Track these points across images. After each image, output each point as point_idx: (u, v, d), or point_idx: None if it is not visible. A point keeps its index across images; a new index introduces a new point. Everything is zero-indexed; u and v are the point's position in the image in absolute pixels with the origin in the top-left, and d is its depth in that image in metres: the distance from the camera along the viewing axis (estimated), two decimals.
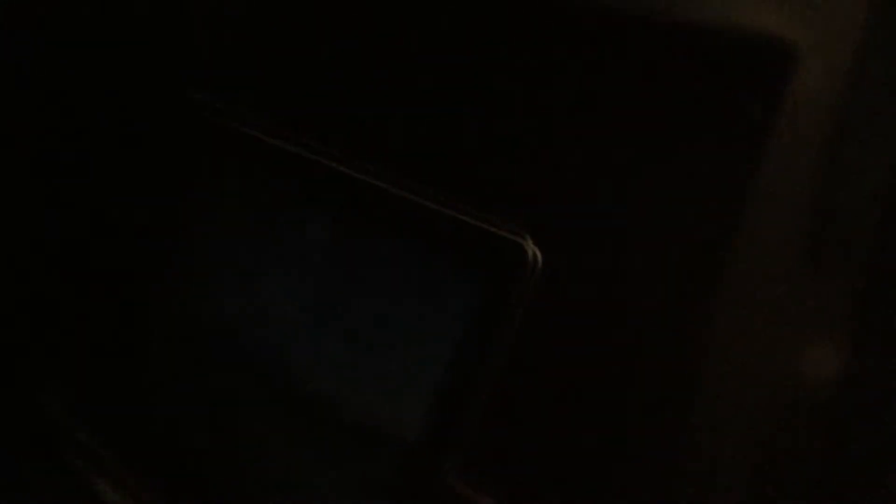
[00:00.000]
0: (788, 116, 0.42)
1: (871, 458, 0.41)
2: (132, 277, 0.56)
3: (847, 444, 0.42)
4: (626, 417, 0.45)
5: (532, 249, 0.40)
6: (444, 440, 0.41)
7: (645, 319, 0.45)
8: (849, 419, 0.42)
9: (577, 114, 0.47)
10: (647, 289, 0.45)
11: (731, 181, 0.43)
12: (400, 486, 0.42)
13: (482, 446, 0.42)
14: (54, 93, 0.60)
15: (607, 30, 0.46)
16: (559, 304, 0.44)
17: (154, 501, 0.51)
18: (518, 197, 0.48)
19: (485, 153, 0.50)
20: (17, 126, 0.60)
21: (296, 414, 0.47)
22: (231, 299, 0.51)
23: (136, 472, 0.52)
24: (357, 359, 0.45)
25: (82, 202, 0.61)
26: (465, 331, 0.41)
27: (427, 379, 0.42)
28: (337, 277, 0.46)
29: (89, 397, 0.57)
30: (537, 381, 0.47)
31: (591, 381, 0.46)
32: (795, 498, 0.43)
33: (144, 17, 0.60)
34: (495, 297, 0.40)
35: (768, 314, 0.43)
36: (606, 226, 0.46)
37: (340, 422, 0.45)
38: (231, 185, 0.52)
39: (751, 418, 0.44)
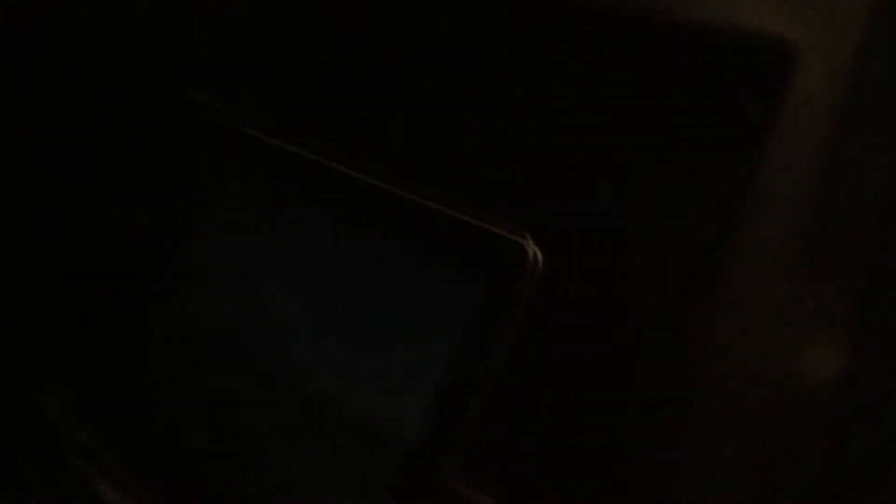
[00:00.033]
0: (788, 116, 0.42)
1: (871, 458, 0.41)
2: (132, 277, 0.56)
3: (847, 444, 0.42)
4: (626, 417, 0.45)
5: (533, 249, 0.40)
6: (444, 440, 0.41)
7: (645, 319, 0.45)
8: (849, 419, 0.42)
9: (577, 114, 0.47)
10: (647, 289, 0.45)
11: (731, 181, 0.43)
12: (400, 486, 0.42)
13: (482, 446, 0.42)
14: (54, 93, 0.60)
15: (607, 30, 0.46)
16: (559, 304, 0.44)
17: (154, 501, 0.51)
18: (518, 197, 0.48)
19: (485, 153, 0.50)
20: (17, 126, 0.60)
21: (296, 414, 0.47)
22: (231, 299, 0.51)
23: (136, 472, 0.52)
24: (357, 359, 0.45)
25: (82, 202, 0.61)
26: (465, 331, 0.41)
27: (427, 379, 0.42)
28: (337, 277, 0.46)
29: (89, 397, 0.57)
30: (537, 381, 0.47)
31: (591, 381, 0.46)
32: (795, 498, 0.43)
33: (144, 17, 0.60)
34: (495, 297, 0.40)
35: (768, 314, 0.43)
36: (606, 226, 0.46)
37: (340, 422, 0.45)
38: (231, 185, 0.52)
39: (751, 418, 0.44)
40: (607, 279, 0.46)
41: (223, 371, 0.50)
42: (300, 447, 0.46)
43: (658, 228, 0.45)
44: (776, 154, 0.42)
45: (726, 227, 0.43)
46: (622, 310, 0.46)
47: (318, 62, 0.57)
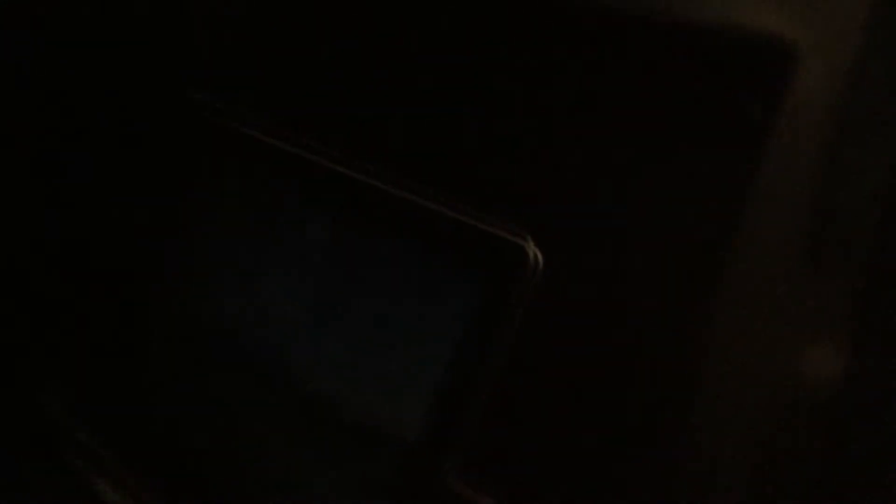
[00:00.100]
0: (788, 116, 0.42)
1: (871, 458, 0.41)
2: (132, 277, 0.56)
3: (847, 444, 0.42)
4: (626, 417, 0.45)
5: (533, 251, 0.40)
6: (444, 440, 0.41)
7: (645, 319, 0.45)
8: (849, 419, 0.42)
9: (577, 114, 0.47)
10: (647, 289, 0.45)
11: (731, 181, 0.43)
12: (400, 486, 0.42)
13: (482, 446, 0.42)
14: (54, 93, 0.60)
15: (607, 30, 0.46)
16: (559, 304, 0.44)
17: (154, 501, 0.51)
18: (518, 197, 0.48)
19: (485, 153, 0.50)
20: (17, 126, 0.60)
21: (296, 414, 0.47)
22: (231, 299, 0.51)
23: (136, 472, 0.52)
24: (357, 359, 0.45)
25: (82, 202, 0.61)
26: (465, 331, 0.41)
27: (427, 379, 0.42)
28: (337, 277, 0.46)
29: (89, 397, 0.57)
30: (537, 381, 0.47)
31: (591, 381, 0.46)
32: (795, 498, 0.43)
33: (144, 17, 0.60)
34: (495, 298, 0.40)
35: (768, 314, 0.43)
36: (606, 226, 0.46)
37: (340, 422, 0.45)
38: (231, 185, 0.52)
39: (751, 418, 0.44)
40: (607, 279, 0.46)
41: (223, 371, 0.50)
42: (300, 447, 0.46)
43: (658, 228, 0.45)
44: (776, 154, 0.42)
45: (726, 227, 0.43)
46: (622, 310, 0.46)
47: (318, 62, 0.57)
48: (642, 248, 0.45)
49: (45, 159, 0.61)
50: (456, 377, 0.41)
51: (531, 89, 0.49)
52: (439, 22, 0.52)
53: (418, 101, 0.53)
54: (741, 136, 0.43)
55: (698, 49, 0.44)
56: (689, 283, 0.44)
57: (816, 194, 0.42)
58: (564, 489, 0.47)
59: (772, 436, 0.43)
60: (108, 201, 0.60)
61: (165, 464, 0.52)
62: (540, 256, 0.40)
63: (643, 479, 0.45)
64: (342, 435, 0.45)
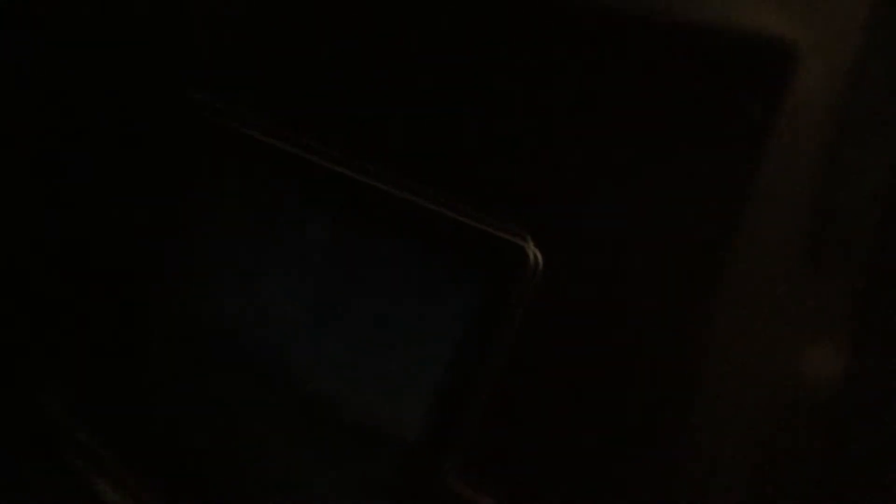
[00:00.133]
0: (788, 116, 0.42)
1: (871, 458, 0.41)
2: (132, 277, 0.56)
3: (847, 444, 0.42)
4: (626, 417, 0.45)
5: (533, 252, 0.40)
6: (444, 440, 0.41)
7: (645, 319, 0.45)
8: (849, 419, 0.42)
9: (577, 114, 0.47)
10: (647, 289, 0.45)
11: (731, 181, 0.43)
12: (400, 486, 0.42)
13: (482, 446, 0.42)
14: (54, 93, 0.60)
15: (607, 30, 0.46)
16: (559, 304, 0.44)
17: (154, 501, 0.51)
18: (518, 197, 0.48)
19: (485, 153, 0.50)
20: (17, 126, 0.60)
21: (296, 414, 0.47)
22: (231, 299, 0.51)
23: (136, 472, 0.52)
24: (357, 359, 0.45)
25: (82, 202, 0.61)
26: (465, 331, 0.41)
27: (427, 379, 0.42)
28: (337, 277, 0.46)
29: (89, 397, 0.57)
30: (537, 381, 0.47)
31: (591, 381, 0.46)
32: (795, 498, 0.43)
33: (144, 17, 0.60)
34: (495, 298, 0.40)
35: (768, 314, 0.43)
36: (606, 226, 0.46)
37: (340, 422, 0.45)
38: (231, 185, 0.52)
39: (751, 418, 0.44)
40: (607, 279, 0.46)
41: (223, 371, 0.50)
42: (300, 447, 0.46)
43: (658, 228, 0.45)
44: (776, 154, 0.42)
45: (726, 227, 0.43)
46: (622, 310, 0.46)
47: (318, 62, 0.57)
48: (642, 248, 0.45)
49: (45, 159, 0.61)
50: (456, 377, 0.41)
51: (531, 89, 0.49)
52: (439, 22, 0.52)
53: (418, 101, 0.53)
54: (741, 136, 0.43)
55: (698, 49, 0.44)
56: (689, 283, 0.44)
57: (816, 194, 0.42)
58: (564, 489, 0.47)
59: (772, 436, 0.43)
60: (108, 201, 0.60)
61: (165, 464, 0.52)
62: (540, 257, 0.40)
63: (643, 479, 0.45)
64: (342, 435, 0.45)
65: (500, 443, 0.46)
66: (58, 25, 0.59)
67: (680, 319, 0.44)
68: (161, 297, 0.54)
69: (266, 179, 0.50)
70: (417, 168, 0.48)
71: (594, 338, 0.46)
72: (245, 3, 0.61)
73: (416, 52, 0.53)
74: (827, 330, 0.43)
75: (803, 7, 0.42)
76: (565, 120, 0.48)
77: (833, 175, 0.42)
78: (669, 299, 0.44)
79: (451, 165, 0.51)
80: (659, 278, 0.45)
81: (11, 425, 0.57)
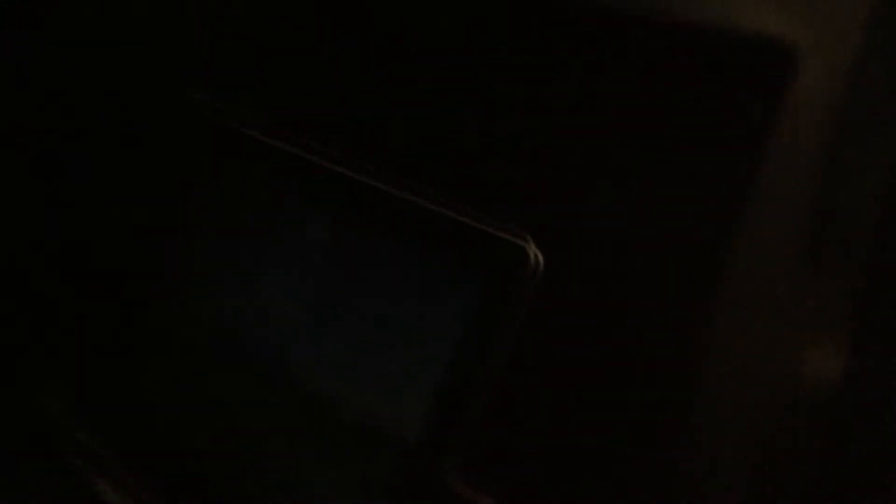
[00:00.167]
0: (788, 116, 0.42)
1: (871, 458, 0.41)
2: (132, 277, 0.56)
3: (847, 444, 0.42)
4: (626, 417, 0.45)
5: (534, 252, 0.40)
6: (444, 440, 0.41)
7: (645, 319, 0.45)
8: (849, 419, 0.42)
9: (577, 114, 0.47)
10: (647, 289, 0.45)
11: (731, 181, 0.43)
12: (400, 486, 0.42)
13: (482, 446, 0.42)
14: (54, 93, 0.60)
15: (607, 30, 0.46)
16: (559, 304, 0.44)
17: (154, 501, 0.51)
18: (518, 197, 0.48)
19: (485, 153, 0.50)
20: (17, 126, 0.60)
21: (296, 414, 0.47)
22: (231, 299, 0.51)
23: (136, 472, 0.52)
24: (357, 359, 0.45)
25: (82, 202, 0.61)
26: (465, 331, 0.41)
27: (427, 379, 0.42)
28: (337, 277, 0.46)
29: (89, 397, 0.57)
30: (537, 381, 0.47)
31: (591, 381, 0.46)
32: (795, 498, 0.43)
33: (144, 17, 0.60)
34: (495, 298, 0.40)
35: (768, 314, 0.43)
36: (606, 226, 0.46)
37: (340, 422, 0.45)
38: (231, 185, 0.52)
39: (751, 418, 0.44)
40: (607, 279, 0.46)
41: (223, 371, 0.50)
42: (300, 447, 0.46)
43: (658, 228, 0.45)
44: (776, 154, 0.42)
45: (726, 227, 0.43)
46: (622, 310, 0.46)
47: (318, 62, 0.57)
48: (642, 248, 0.45)
49: (45, 159, 0.61)
50: (456, 377, 0.41)
51: (531, 89, 0.49)
52: (439, 22, 0.52)
53: (418, 101, 0.53)
54: (741, 136, 0.43)
55: (698, 49, 0.44)
56: (689, 283, 0.44)
57: (816, 194, 0.42)
58: (564, 489, 0.47)
59: (772, 436, 0.43)
60: (108, 201, 0.60)
61: (165, 464, 0.52)
62: (540, 257, 0.40)
63: (643, 479, 0.45)
64: (342, 435, 0.45)
65: (500, 443, 0.46)
66: (58, 25, 0.59)
67: (680, 319, 0.44)
68: (161, 297, 0.54)
69: (266, 179, 0.50)
70: (417, 168, 0.48)
71: (594, 338, 0.46)
72: (245, 3, 0.61)
73: (416, 52, 0.53)
74: (827, 330, 0.43)
75: (803, 7, 0.42)
76: (565, 120, 0.48)
77: (833, 175, 0.42)
78: (669, 299, 0.44)
79: (451, 165, 0.51)
80: (659, 278, 0.45)
81: (11, 425, 0.57)
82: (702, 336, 0.44)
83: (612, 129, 0.46)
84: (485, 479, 0.47)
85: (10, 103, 0.59)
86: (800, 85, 0.42)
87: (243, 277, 0.50)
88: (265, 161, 0.50)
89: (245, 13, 0.61)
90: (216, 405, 0.50)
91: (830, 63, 0.41)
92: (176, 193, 0.54)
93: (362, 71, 0.55)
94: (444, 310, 0.42)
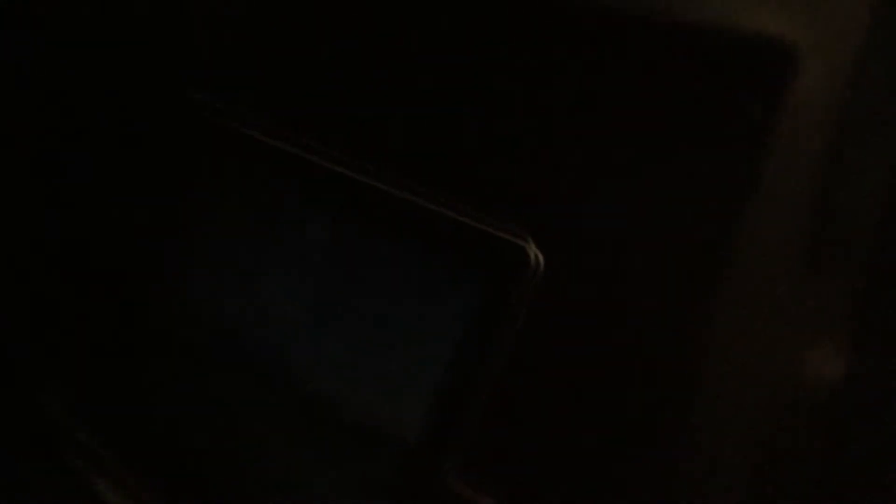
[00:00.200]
0: (788, 116, 0.42)
1: (871, 458, 0.41)
2: (132, 277, 0.56)
3: (847, 444, 0.42)
4: (626, 417, 0.45)
5: (534, 252, 0.40)
6: (444, 440, 0.41)
7: (645, 319, 0.45)
8: (849, 419, 0.42)
9: (577, 114, 0.47)
10: (647, 289, 0.45)
11: (731, 181, 0.43)
12: (400, 486, 0.42)
13: (482, 446, 0.42)
14: (54, 93, 0.60)
15: (607, 30, 0.46)
16: (559, 304, 0.44)
17: (154, 501, 0.51)
18: (518, 197, 0.48)
19: (485, 153, 0.50)
20: (17, 126, 0.60)
21: (296, 414, 0.47)
22: (231, 299, 0.51)
23: (136, 472, 0.52)
24: (357, 359, 0.45)
25: (82, 202, 0.61)
26: (465, 331, 0.41)
27: (427, 379, 0.42)
28: (337, 277, 0.46)
29: (89, 397, 0.57)
30: (537, 381, 0.47)
31: (591, 381, 0.46)
32: (795, 498, 0.43)
33: (144, 17, 0.60)
34: (495, 298, 0.40)
35: (768, 314, 0.43)
36: (606, 226, 0.46)
37: (340, 422, 0.45)
38: (231, 185, 0.52)
39: (751, 418, 0.44)
40: (607, 279, 0.46)
41: (223, 371, 0.50)
42: (300, 447, 0.46)
43: (658, 228, 0.45)
44: (776, 154, 0.42)
45: (726, 227, 0.43)
46: (622, 310, 0.46)
47: (318, 62, 0.57)
48: (642, 248, 0.45)
49: (45, 159, 0.61)
50: (456, 377, 0.41)
51: (531, 89, 0.49)
52: (439, 22, 0.52)
53: (418, 101, 0.53)
54: (741, 136, 0.43)
55: (698, 49, 0.44)
56: (689, 283, 0.44)
57: (816, 194, 0.42)
58: (564, 489, 0.47)
59: (772, 436, 0.43)
60: (108, 201, 0.60)
61: (165, 464, 0.52)
62: (540, 257, 0.40)
63: (643, 479, 0.45)
64: (342, 435, 0.45)
65: (500, 443, 0.46)
66: (58, 25, 0.59)
67: (680, 319, 0.44)
68: (161, 297, 0.54)
69: (266, 179, 0.50)
70: (417, 168, 0.48)
71: (594, 338, 0.46)
72: (245, 3, 0.61)
73: (416, 52, 0.53)
74: (827, 330, 0.43)
75: (803, 7, 0.42)
76: (565, 120, 0.48)
77: (833, 175, 0.42)
78: (669, 299, 0.44)
79: (451, 165, 0.51)
80: (659, 278, 0.45)
81: (11, 425, 0.57)
82: (702, 336, 0.44)
83: (612, 129, 0.46)
84: (485, 479, 0.47)
85: (10, 103, 0.59)
86: (800, 85, 0.42)
87: (243, 277, 0.50)
88: (265, 161, 0.50)
89: (245, 13, 0.61)
90: (216, 405, 0.50)
91: (830, 63, 0.41)
92: (176, 193, 0.54)
93: (362, 71, 0.55)
94: (444, 310, 0.42)
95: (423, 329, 0.42)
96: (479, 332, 0.41)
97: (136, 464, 0.53)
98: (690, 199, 0.44)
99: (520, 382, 0.44)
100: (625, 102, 0.46)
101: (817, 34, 0.41)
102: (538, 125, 0.49)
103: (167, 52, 0.61)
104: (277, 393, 0.47)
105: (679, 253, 0.44)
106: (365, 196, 0.45)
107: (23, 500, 0.52)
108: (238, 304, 0.50)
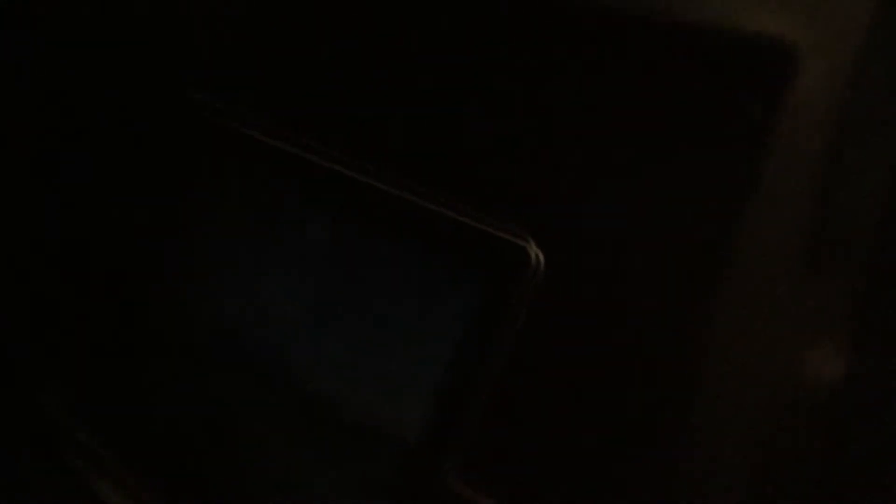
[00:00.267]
0: (788, 116, 0.42)
1: (871, 458, 0.41)
2: (132, 277, 0.56)
3: (847, 444, 0.42)
4: (626, 417, 0.45)
5: (535, 252, 0.40)
6: (444, 440, 0.41)
7: (645, 319, 0.45)
8: (849, 419, 0.42)
9: (577, 114, 0.47)
10: (647, 289, 0.45)
11: (731, 181, 0.43)
12: (400, 486, 0.42)
13: (482, 446, 0.42)
14: (54, 93, 0.60)
15: (607, 30, 0.46)
16: (559, 304, 0.44)
17: (154, 501, 0.51)
18: (518, 197, 0.48)
19: (485, 153, 0.50)
20: (17, 126, 0.60)
21: (296, 414, 0.47)
22: (231, 299, 0.51)
23: (136, 472, 0.52)
24: (357, 359, 0.45)
25: (82, 202, 0.61)
26: (465, 331, 0.41)
27: (427, 379, 0.42)
28: (337, 277, 0.46)
29: (89, 397, 0.57)
30: (537, 381, 0.47)
31: (591, 381, 0.46)
32: (795, 498, 0.43)
33: (144, 17, 0.60)
34: (496, 298, 0.40)
35: (768, 314, 0.43)
36: (606, 226, 0.46)
37: (340, 422, 0.45)
38: (231, 185, 0.52)
39: (751, 418, 0.44)
40: (607, 279, 0.46)
41: (223, 371, 0.50)
42: (300, 447, 0.46)
43: (658, 228, 0.45)
44: (776, 154, 0.42)
45: (726, 227, 0.43)
46: (622, 310, 0.46)
47: (318, 62, 0.57)
48: (642, 248, 0.45)
49: (45, 159, 0.61)
50: (456, 377, 0.41)
51: (531, 89, 0.49)
52: (439, 22, 0.52)
53: (418, 101, 0.53)
54: (741, 136, 0.43)
55: (698, 49, 0.44)
56: (689, 283, 0.44)
57: (816, 194, 0.42)
58: (564, 489, 0.47)
59: (772, 436, 0.43)
60: (108, 201, 0.60)
61: (165, 464, 0.52)
62: (541, 257, 0.40)
63: (643, 479, 0.45)
64: (342, 435, 0.45)
65: (500, 443, 0.46)
66: (58, 25, 0.59)
67: (680, 319, 0.44)
68: (161, 297, 0.54)
69: (266, 179, 0.50)
70: (417, 168, 0.48)
71: (594, 338, 0.46)
72: (245, 3, 0.61)
73: (416, 52, 0.53)
74: (827, 330, 0.43)
75: (803, 7, 0.42)
76: (565, 120, 0.48)
77: (833, 175, 0.42)
78: (669, 299, 0.44)
79: (451, 165, 0.51)
80: (659, 278, 0.45)
81: (11, 425, 0.57)
82: (702, 336, 0.44)
83: (612, 129, 0.46)
84: (485, 479, 0.47)
85: (10, 103, 0.59)
86: (800, 85, 0.42)
87: (243, 277, 0.50)
88: (265, 161, 0.50)
89: (245, 13, 0.61)
90: (216, 405, 0.50)
91: (830, 63, 0.41)
92: (176, 193, 0.54)
93: (362, 71, 0.55)
94: (444, 310, 0.42)
95: (423, 329, 0.42)
96: (479, 332, 0.41)
97: (136, 464, 0.53)
98: (690, 199, 0.44)
99: (520, 382, 0.44)
100: (625, 102, 0.46)
101: (817, 34, 0.41)
102: (538, 125, 0.49)
103: (167, 52, 0.61)
104: (277, 393, 0.47)
105: (679, 253, 0.44)
106: (365, 196, 0.45)
107: (23, 500, 0.52)
108: (238, 304, 0.50)
